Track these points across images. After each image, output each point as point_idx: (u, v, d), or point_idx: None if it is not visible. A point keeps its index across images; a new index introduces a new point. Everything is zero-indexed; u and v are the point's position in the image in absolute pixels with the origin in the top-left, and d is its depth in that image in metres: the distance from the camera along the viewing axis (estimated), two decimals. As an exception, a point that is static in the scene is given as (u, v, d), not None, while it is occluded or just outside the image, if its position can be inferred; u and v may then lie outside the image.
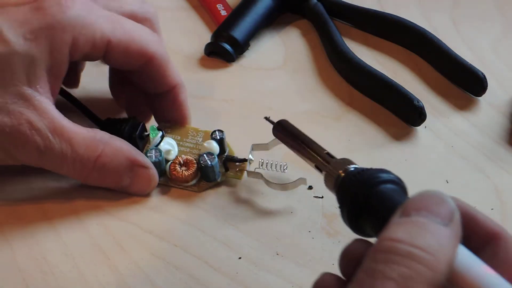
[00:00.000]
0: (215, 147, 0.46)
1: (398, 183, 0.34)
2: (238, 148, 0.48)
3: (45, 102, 0.43)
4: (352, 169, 0.36)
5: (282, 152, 0.46)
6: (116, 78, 0.51)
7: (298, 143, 0.41)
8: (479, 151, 0.49)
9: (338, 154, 0.49)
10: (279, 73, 0.56)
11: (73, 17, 0.43)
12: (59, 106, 0.44)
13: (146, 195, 0.46)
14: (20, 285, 0.41)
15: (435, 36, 0.55)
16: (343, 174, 0.36)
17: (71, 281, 0.41)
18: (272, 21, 0.59)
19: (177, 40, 0.57)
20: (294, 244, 0.43)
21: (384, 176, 0.34)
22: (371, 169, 0.35)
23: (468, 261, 0.31)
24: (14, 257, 0.43)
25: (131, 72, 0.47)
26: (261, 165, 0.46)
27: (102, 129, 0.47)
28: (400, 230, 0.31)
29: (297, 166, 0.45)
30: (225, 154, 0.47)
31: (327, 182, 0.37)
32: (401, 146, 0.50)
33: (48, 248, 0.43)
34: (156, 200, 0.46)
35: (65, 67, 0.44)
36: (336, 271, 0.42)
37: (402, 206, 0.32)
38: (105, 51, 0.44)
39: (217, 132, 0.47)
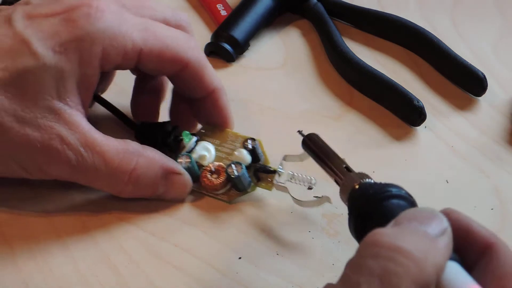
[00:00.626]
0: (245, 156, 0.45)
1: (406, 198, 0.35)
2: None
3: (76, 115, 0.42)
4: (365, 182, 0.37)
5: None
6: (140, 88, 0.50)
7: (320, 156, 0.42)
8: (479, 151, 0.49)
9: (338, 154, 0.49)
10: (279, 73, 0.56)
11: (103, 29, 0.42)
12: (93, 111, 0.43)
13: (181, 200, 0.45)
14: (20, 285, 0.41)
15: (435, 36, 0.55)
16: (356, 187, 0.37)
17: (71, 281, 0.41)
18: (272, 21, 0.59)
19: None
20: (294, 244, 0.43)
21: (393, 190, 0.35)
22: (381, 183, 0.36)
23: (455, 277, 0.31)
24: (14, 257, 0.43)
25: (169, 77, 0.47)
26: (291, 178, 0.45)
27: (137, 133, 0.47)
28: (389, 229, 0.31)
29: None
30: (259, 162, 0.46)
31: (341, 194, 0.38)
32: (401, 146, 0.50)
33: (48, 248, 0.43)
34: (157, 202, 0.46)
35: (96, 79, 0.43)
36: (336, 271, 0.42)
37: (395, 218, 0.32)
38: (137, 60, 0.44)
39: (249, 141, 0.46)
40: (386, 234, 0.31)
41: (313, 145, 0.43)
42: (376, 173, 0.47)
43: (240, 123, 0.49)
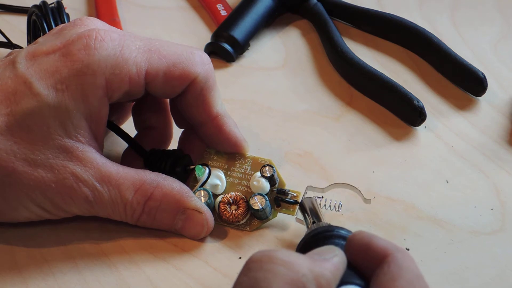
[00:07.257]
0: (264, 185, 0.44)
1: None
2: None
3: (88, 151, 0.41)
4: (323, 226, 0.39)
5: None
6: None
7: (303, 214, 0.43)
8: (479, 151, 0.49)
9: (338, 154, 0.49)
10: (279, 73, 0.56)
11: (103, 59, 0.41)
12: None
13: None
14: (20, 285, 0.41)
15: (435, 36, 0.55)
16: (313, 227, 0.40)
17: (71, 281, 0.41)
18: (272, 21, 0.59)
19: (177, 40, 0.57)
20: (294, 244, 0.43)
21: (334, 232, 0.38)
22: (339, 228, 0.38)
23: None
24: (14, 257, 0.43)
25: (178, 100, 0.45)
26: (320, 204, 0.44)
27: (146, 160, 0.45)
28: (271, 249, 0.33)
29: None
30: (276, 186, 0.44)
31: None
32: (401, 146, 0.50)
33: (48, 248, 0.43)
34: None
35: (105, 110, 0.42)
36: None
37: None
38: (145, 83, 0.42)
39: (266, 168, 0.44)
40: (262, 250, 0.33)
41: (304, 209, 0.43)
42: (376, 173, 0.47)
43: (240, 123, 0.49)
